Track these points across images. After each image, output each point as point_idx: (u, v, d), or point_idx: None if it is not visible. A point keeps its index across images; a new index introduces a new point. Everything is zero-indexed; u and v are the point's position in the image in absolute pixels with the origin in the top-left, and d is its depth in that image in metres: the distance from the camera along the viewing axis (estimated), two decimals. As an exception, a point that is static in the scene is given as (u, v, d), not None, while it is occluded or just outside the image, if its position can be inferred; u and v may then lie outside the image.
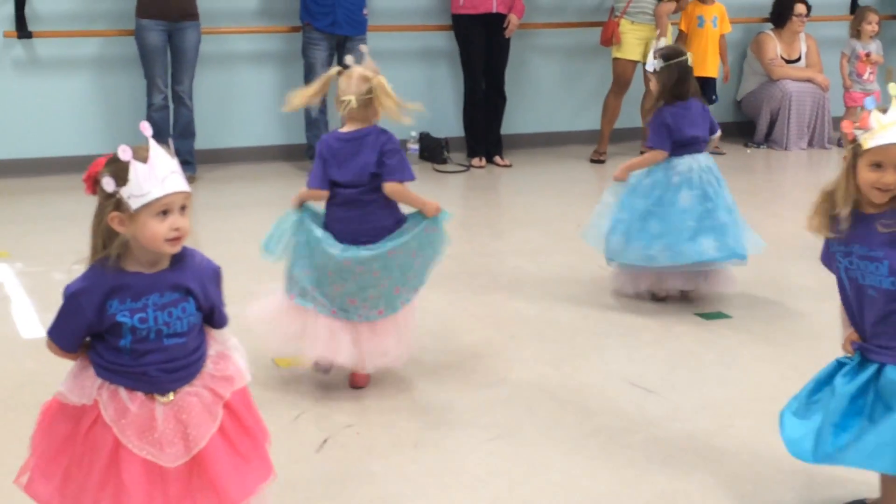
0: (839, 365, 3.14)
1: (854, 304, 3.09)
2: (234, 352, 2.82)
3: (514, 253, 6.26)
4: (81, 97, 7.96)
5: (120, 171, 2.52)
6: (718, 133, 5.55)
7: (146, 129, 2.60)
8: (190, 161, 7.80)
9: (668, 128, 5.12)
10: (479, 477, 3.60)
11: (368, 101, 4.04)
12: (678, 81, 5.15)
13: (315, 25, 7.88)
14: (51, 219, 6.75)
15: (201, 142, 8.02)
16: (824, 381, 3.16)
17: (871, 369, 3.04)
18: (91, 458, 2.61)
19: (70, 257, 2.71)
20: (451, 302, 5.35)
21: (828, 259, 3.17)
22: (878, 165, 2.96)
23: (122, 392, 2.62)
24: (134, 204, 2.52)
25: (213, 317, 2.77)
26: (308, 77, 7.76)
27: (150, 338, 2.61)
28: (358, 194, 4.08)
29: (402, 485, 3.55)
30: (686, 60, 5.19)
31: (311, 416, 4.02)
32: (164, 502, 2.63)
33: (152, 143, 2.56)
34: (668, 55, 5.20)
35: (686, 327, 5.04)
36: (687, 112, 5.16)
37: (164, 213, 2.55)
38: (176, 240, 2.59)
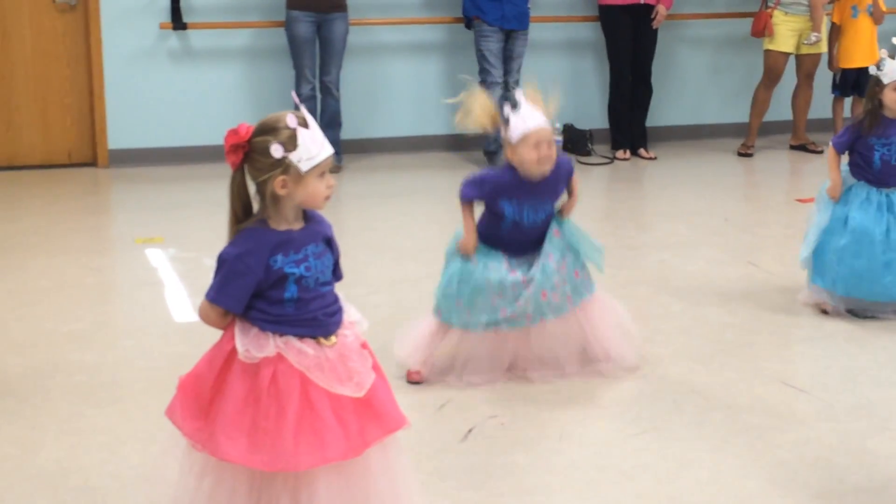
0: None
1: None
2: (343, 301, 3.00)
3: (659, 246, 6.18)
4: (232, 87, 8.14)
5: (288, 138, 2.71)
6: None
7: (295, 97, 2.93)
8: (337, 151, 7.91)
9: None
10: (625, 471, 3.57)
11: None
12: None
13: (484, 19, 7.91)
14: (203, 205, 6.92)
15: (348, 132, 8.12)
16: None
17: None
18: (280, 405, 2.76)
19: (221, 243, 2.84)
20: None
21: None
22: None
23: (294, 340, 2.80)
24: (305, 167, 2.74)
25: (337, 268, 2.99)
26: (483, 70, 7.86)
27: (311, 286, 2.82)
28: None
29: (547, 477, 3.54)
30: None
31: (455, 406, 4.03)
32: (347, 436, 2.80)
33: (304, 110, 2.80)
34: None
35: (838, 325, 4.90)
36: None
37: (322, 173, 2.78)
38: (329, 196, 2.85)
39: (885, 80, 4.81)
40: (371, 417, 2.87)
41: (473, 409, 4.00)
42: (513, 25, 7.89)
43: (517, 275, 4.13)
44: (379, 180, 7.80)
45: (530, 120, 4.01)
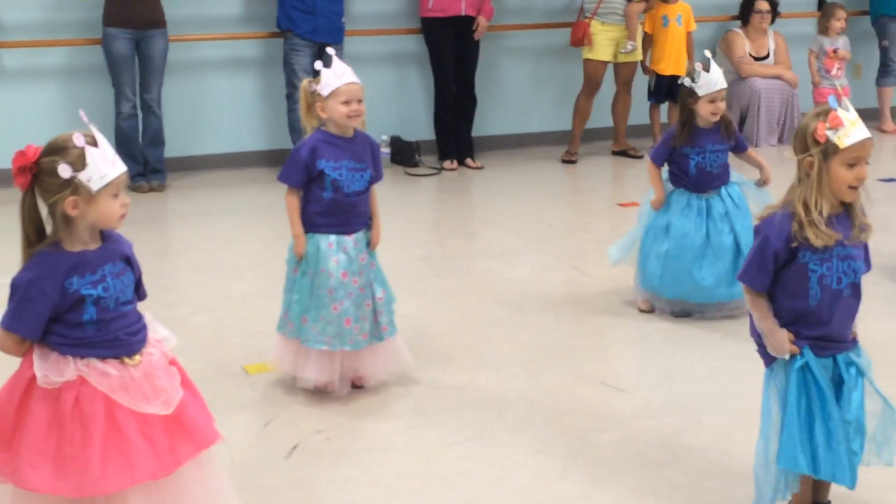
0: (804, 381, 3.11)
1: (820, 308, 3.07)
2: (148, 319, 2.98)
3: (486, 255, 6.26)
4: (49, 107, 7.90)
5: (77, 158, 2.68)
6: None
7: (84, 115, 2.83)
8: (160, 169, 7.77)
9: None
10: (450, 479, 3.60)
11: None
12: None
13: (297, 32, 7.87)
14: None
15: (171, 149, 7.99)
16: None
17: (829, 364, 3.11)
18: (85, 429, 2.71)
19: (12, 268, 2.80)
20: (421, 305, 5.35)
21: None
22: (851, 164, 2.98)
23: (96, 362, 2.76)
24: (95, 186, 2.70)
25: (140, 286, 2.96)
26: (290, 83, 7.83)
27: (111, 306, 2.78)
28: None
29: (372, 489, 3.55)
30: None
31: (280, 423, 4.01)
32: (157, 455, 2.77)
33: (93, 128, 2.76)
34: None
35: (657, 326, 5.05)
36: None
37: (116, 192, 2.75)
38: (124, 215, 2.80)
39: (700, 93, 4.97)
40: (182, 434, 2.85)
41: (298, 425, 3.98)
42: (325, 39, 7.87)
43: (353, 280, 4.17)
44: (203, 198, 7.68)
45: (342, 76, 4.07)
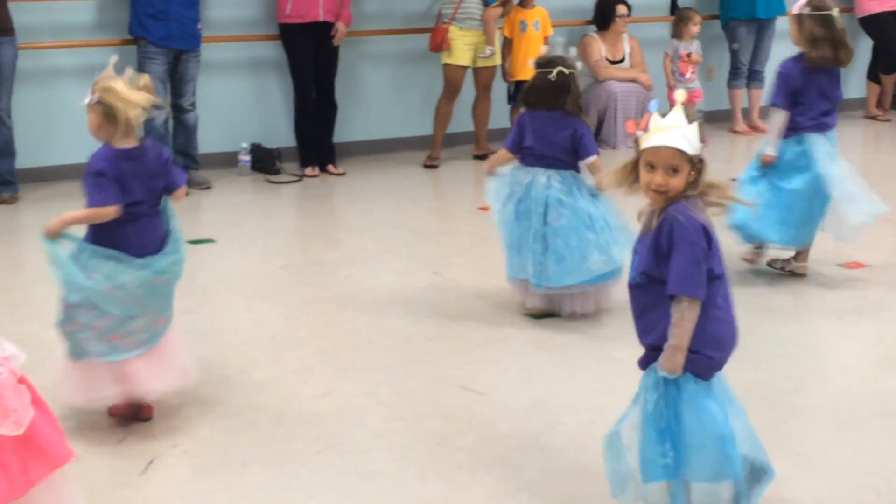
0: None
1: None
2: None
3: (348, 261, 6.24)
4: None
5: None
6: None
7: None
8: (11, 181, 7.55)
9: None
10: (309, 490, 3.58)
11: None
12: None
13: (150, 39, 7.72)
14: None
15: (23, 161, 7.77)
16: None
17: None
18: None
19: None
20: (282, 313, 5.31)
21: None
22: (651, 166, 3.08)
23: None
24: None
25: None
26: None
27: None
28: None
29: (231, 502, 3.50)
30: None
31: (135, 438, 3.93)
32: (8, 477, 2.70)
33: None
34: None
35: (516, 328, 5.09)
36: None
37: None
38: None
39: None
40: (34, 455, 2.78)
41: (154, 440, 3.91)
42: (180, 45, 7.76)
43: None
44: (57, 210, 7.42)
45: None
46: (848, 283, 5.73)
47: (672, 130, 3.06)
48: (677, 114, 3.10)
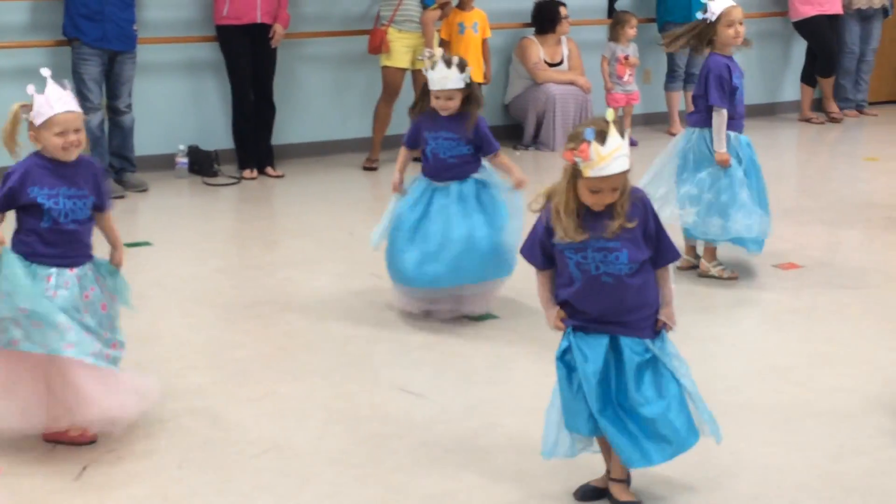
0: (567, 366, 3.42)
1: (583, 291, 3.32)
2: None
3: (286, 264, 6.22)
4: None
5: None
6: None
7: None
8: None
9: None
10: (245, 493, 3.56)
11: None
12: None
13: (84, 40, 7.63)
14: None
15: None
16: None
17: (604, 341, 3.32)
18: None
19: None
20: (219, 317, 5.28)
21: (538, 252, 3.39)
22: (596, 190, 3.20)
23: None
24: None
25: None
26: (80, 94, 7.48)
27: None
28: None
29: (166, 508, 3.48)
30: None
31: (68, 446, 3.87)
32: None
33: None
34: None
35: (455, 330, 5.10)
36: None
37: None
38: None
39: (432, 87, 5.18)
40: None
41: (88, 446, 3.86)
42: (115, 46, 7.67)
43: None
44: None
45: (57, 104, 3.75)
46: (782, 284, 5.80)
47: (615, 156, 3.16)
48: (614, 137, 3.16)
